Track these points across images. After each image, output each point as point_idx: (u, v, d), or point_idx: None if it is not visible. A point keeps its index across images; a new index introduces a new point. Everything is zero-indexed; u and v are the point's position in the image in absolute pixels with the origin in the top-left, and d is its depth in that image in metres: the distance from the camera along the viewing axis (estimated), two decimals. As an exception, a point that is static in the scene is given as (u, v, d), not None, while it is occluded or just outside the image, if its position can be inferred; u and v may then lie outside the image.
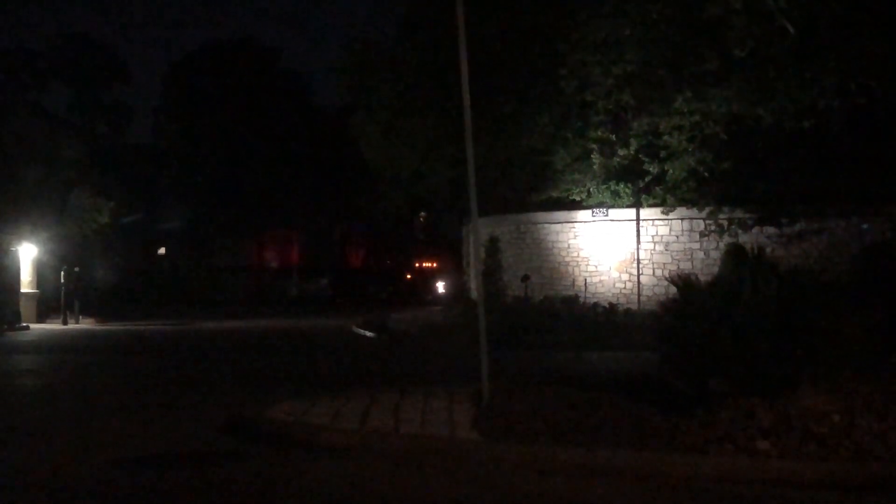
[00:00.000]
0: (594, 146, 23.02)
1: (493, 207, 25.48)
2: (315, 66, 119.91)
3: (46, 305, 30.50)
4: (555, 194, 24.79)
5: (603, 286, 23.75)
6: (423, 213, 49.76)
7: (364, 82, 28.28)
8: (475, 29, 15.60)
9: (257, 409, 9.47)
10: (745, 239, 21.40)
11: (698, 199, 22.31)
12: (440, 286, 44.17)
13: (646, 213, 23.01)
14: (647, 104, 20.96)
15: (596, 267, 24.03)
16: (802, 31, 16.20)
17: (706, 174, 21.55)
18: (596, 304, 22.32)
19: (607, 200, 24.04)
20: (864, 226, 21.43)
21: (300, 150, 52.35)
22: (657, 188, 22.80)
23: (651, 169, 22.34)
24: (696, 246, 22.90)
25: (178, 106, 53.62)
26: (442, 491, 6.74)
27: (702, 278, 9.54)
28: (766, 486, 6.73)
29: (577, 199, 24.52)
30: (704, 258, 22.55)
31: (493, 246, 25.17)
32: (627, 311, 21.51)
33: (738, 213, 22.31)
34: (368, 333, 23.56)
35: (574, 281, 24.14)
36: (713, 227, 22.55)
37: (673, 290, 9.33)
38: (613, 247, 23.74)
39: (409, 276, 56.10)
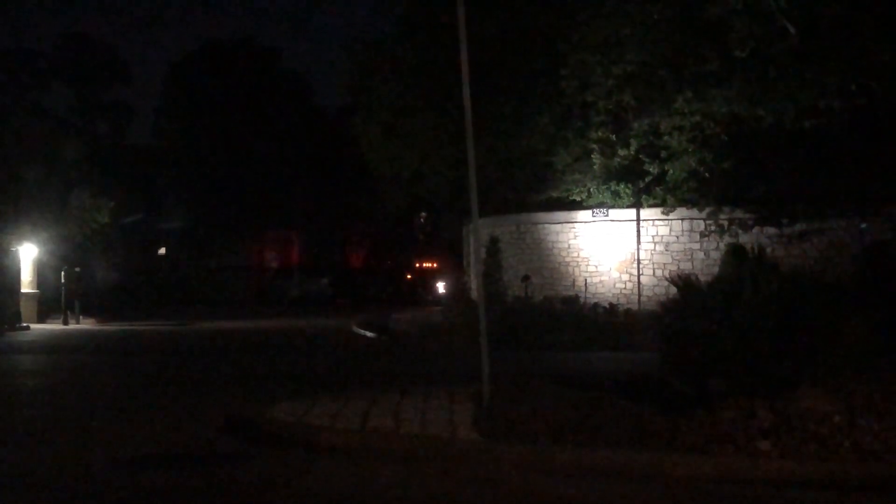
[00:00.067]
0: (595, 146, 23.01)
1: (494, 208, 25.47)
2: (315, 66, 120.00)
3: (47, 305, 30.47)
4: (555, 194, 24.78)
5: (603, 286, 23.74)
6: (423, 214, 49.69)
7: (364, 82, 28.28)
8: (476, 29, 15.60)
9: (257, 410, 9.47)
10: (745, 239, 21.38)
11: (699, 199, 22.29)
12: (440, 286, 44.07)
13: (646, 213, 23.00)
14: (647, 104, 20.97)
15: (596, 267, 24.02)
16: (803, 31, 16.23)
17: (706, 174, 21.55)
18: (596, 305, 22.31)
19: (608, 201, 24.03)
20: (863, 225, 21.42)
21: (300, 150, 52.32)
22: (657, 188, 22.79)
23: (651, 169, 22.33)
24: (697, 246, 22.88)
25: (179, 106, 53.58)
26: (442, 491, 6.74)
27: (702, 278, 9.54)
28: (767, 486, 6.73)
29: (578, 199, 24.51)
30: (705, 258, 22.54)
31: (493, 246, 25.14)
32: (628, 312, 21.49)
33: (739, 214, 22.29)
34: (369, 333, 23.55)
35: (574, 281, 24.13)
36: (713, 228, 22.54)
37: (673, 290, 9.34)
38: (614, 247, 23.73)
39: (409, 277, 56.00)
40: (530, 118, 24.47)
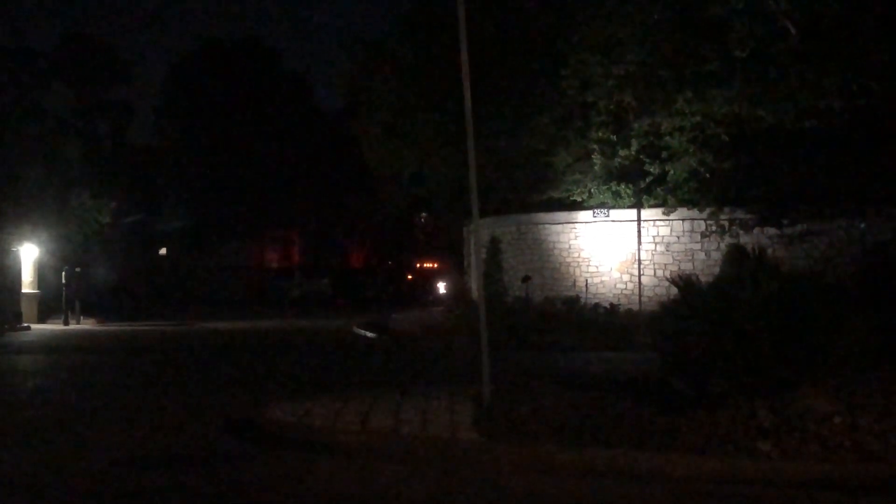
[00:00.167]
0: (595, 147, 23.00)
1: (494, 208, 25.47)
2: (316, 66, 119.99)
3: (47, 306, 30.49)
4: (556, 195, 24.77)
5: (604, 287, 23.73)
6: (423, 214, 49.69)
7: (364, 83, 28.29)
8: (476, 29, 15.62)
9: (258, 410, 9.48)
10: (746, 239, 21.37)
11: (699, 199, 22.28)
12: (441, 287, 44.11)
13: (647, 213, 22.98)
14: (648, 105, 20.96)
15: (597, 267, 24.01)
16: (804, 32, 16.23)
17: (707, 175, 21.54)
18: (597, 305, 22.31)
19: (608, 201, 24.02)
20: (861, 225, 21.40)
21: (301, 151, 52.33)
22: (658, 189, 22.77)
23: (652, 169, 22.32)
24: (698, 246, 22.87)
25: (179, 106, 53.59)
26: (443, 491, 6.74)
27: (703, 279, 9.54)
28: (767, 486, 6.73)
29: (578, 199, 24.50)
30: (705, 259, 22.52)
31: (493, 246, 25.15)
32: (628, 312, 21.49)
33: (740, 214, 22.27)
34: (369, 334, 23.55)
35: (575, 281, 24.12)
36: (714, 228, 22.52)
37: (674, 290, 9.33)
38: (614, 247, 23.71)
39: (410, 277, 56.05)
40: (531, 118, 24.47)
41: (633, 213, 22.89)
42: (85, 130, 45.31)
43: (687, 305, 8.77)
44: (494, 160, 24.79)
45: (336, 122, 45.62)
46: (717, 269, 18.10)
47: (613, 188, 23.79)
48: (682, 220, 22.96)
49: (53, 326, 28.27)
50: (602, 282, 23.83)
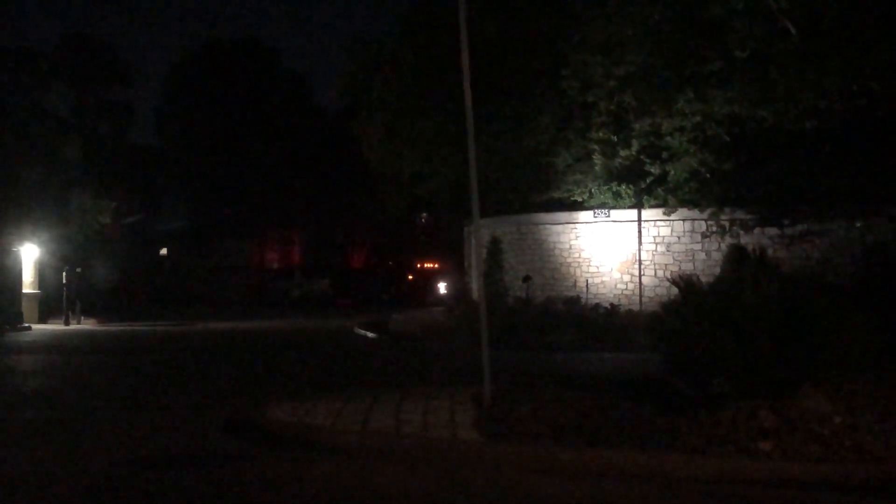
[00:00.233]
0: (596, 147, 23.00)
1: (495, 208, 25.47)
2: (316, 66, 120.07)
3: (48, 306, 30.53)
4: (556, 195, 24.78)
5: (604, 287, 23.74)
6: (424, 214, 49.70)
7: (365, 83, 28.29)
8: (477, 30, 15.62)
9: (258, 410, 9.47)
10: (746, 240, 21.37)
11: (700, 199, 22.28)
12: (442, 287, 44.16)
13: (647, 213, 22.99)
14: (648, 105, 20.95)
15: (597, 268, 24.03)
16: (804, 32, 16.22)
17: (708, 175, 21.54)
18: (597, 305, 22.30)
19: (609, 201, 24.03)
20: (858, 224, 21.39)
21: (302, 151, 52.36)
22: (659, 189, 22.78)
23: (653, 170, 22.32)
24: (698, 247, 22.87)
25: (180, 106, 53.64)
26: (443, 491, 6.74)
27: (703, 279, 9.54)
28: (768, 486, 6.73)
29: (579, 199, 24.51)
30: (706, 259, 22.53)
31: (494, 247, 25.15)
32: (629, 312, 21.49)
33: (740, 214, 22.28)
34: (370, 334, 23.56)
35: (576, 282, 24.13)
36: (715, 228, 22.53)
37: (675, 291, 9.33)
38: (615, 248, 23.73)
39: (410, 277, 56.05)
40: (531, 119, 24.47)
41: (633, 213, 22.90)
42: (85, 131, 45.30)
43: (688, 306, 8.78)
44: (495, 160, 24.79)
45: (336, 122, 45.62)
46: (717, 270, 18.08)
47: (614, 188, 23.80)
48: (683, 220, 22.97)
49: (54, 326, 28.29)
50: (603, 282, 23.84)
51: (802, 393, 8.09)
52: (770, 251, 18.03)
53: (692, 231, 22.94)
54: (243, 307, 42.17)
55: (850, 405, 8.05)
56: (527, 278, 23.64)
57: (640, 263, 22.93)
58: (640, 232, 22.55)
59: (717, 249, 22.24)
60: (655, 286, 22.54)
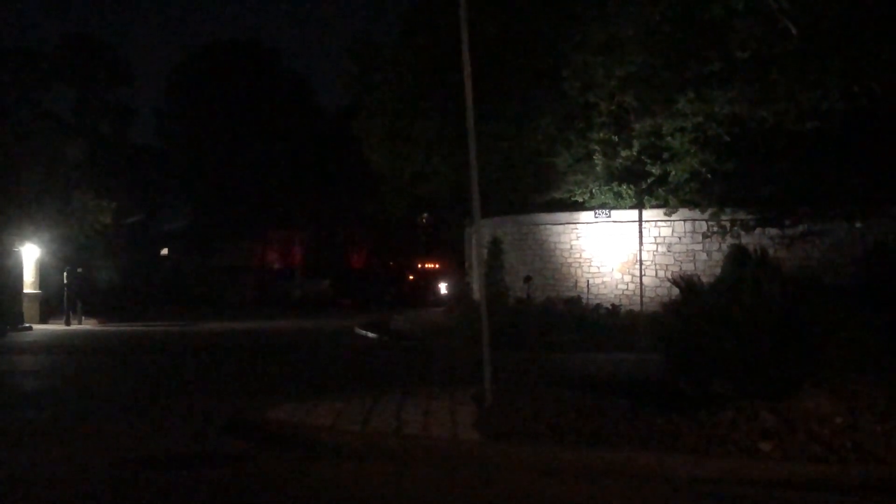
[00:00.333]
0: (597, 147, 23.00)
1: (496, 209, 25.47)
2: (317, 67, 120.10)
3: (49, 306, 30.53)
4: (557, 195, 24.78)
5: (605, 287, 23.75)
6: (425, 215, 49.72)
7: (366, 83, 28.30)
8: (477, 30, 15.60)
9: (259, 410, 9.47)
10: (747, 240, 21.35)
11: (701, 200, 22.29)
12: (442, 287, 44.17)
13: (648, 214, 22.99)
14: (649, 105, 20.94)
15: (598, 268, 24.03)
16: (805, 32, 16.19)
17: (709, 175, 21.54)
18: (598, 306, 22.31)
19: (610, 202, 24.04)
20: (858, 224, 21.39)
21: (302, 151, 52.39)
22: (660, 189, 22.78)
23: (654, 170, 22.32)
24: (699, 247, 22.88)
25: (181, 107, 53.67)
26: (444, 492, 6.74)
27: (704, 279, 9.54)
28: (769, 487, 6.73)
29: (580, 200, 24.52)
30: (707, 259, 22.54)
31: (495, 247, 25.16)
32: (630, 313, 21.50)
33: (741, 215, 22.28)
34: (371, 334, 23.57)
35: (576, 282, 24.14)
36: (716, 229, 22.53)
37: (675, 291, 9.33)
38: (616, 248, 23.74)
39: (411, 278, 56.07)
40: (532, 119, 24.47)
41: (634, 213, 22.90)
42: (86, 131, 45.32)
43: (688, 306, 8.78)
44: (496, 160, 24.80)
45: (337, 122, 45.65)
46: (718, 270, 18.04)
47: (615, 189, 23.81)
48: (684, 220, 22.98)
49: (55, 327, 28.30)
50: (603, 282, 23.84)
51: (803, 393, 8.09)
52: (771, 251, 17.97)
53: (693, 231, 22.95)
54: (244, 307, 42.17)
55: (850, 406, 8.04)
56: (528, 278, 23.65)
57: (640, 264, 22.93)
58: (640, 232, 22.55)
59: (718, 250, 22.24)
60: (656, 286, 22.55)
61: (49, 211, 32.12)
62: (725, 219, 22.36)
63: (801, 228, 21.90)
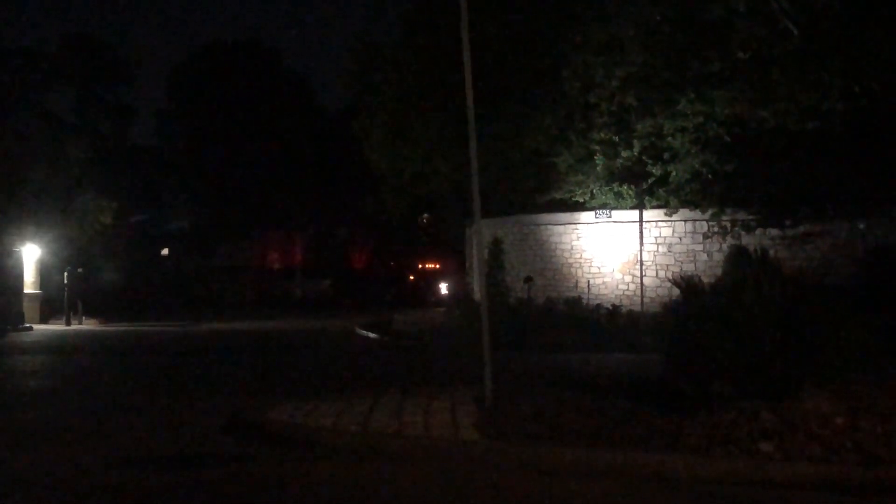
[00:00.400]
0: (597, 148, 22.99)
1: (497, 209, 25.47)
2: (318, 67, 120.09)
3: (50, 306, 30.54)
4: (558, 196, 24.77)
5: (606, 288, 23.74)
6: (425, 215, 49.72)
7: (367, 83, 28.29)
8: (478, 30, 15.62)
9: (260, 410, 9.47)
10: (748, 241, 21.38)
11: (701, 200, 22.28)
12: (443, 287, 44.17)
13: (649, 214, 22.98)
14: (650, 106, 20.94)
15: (599, 268, 24.03)
16: (806, 32, 16.19)
17: (709, 176, 21.53)
18: (599, 306, 22.30)
19: (610, 202, 24.03)
20: (859, 225, 21.38)
21: (303, 152, 52.39)
22: (660, 190, 22.77)
23: (654, 171, 22.32)
24: (700, 248, 22.87)
25: (182, 107, 53.68)
26: (444, 492, 6.74)
27: (705, 280, 9.53)
28: (769, 487, 6.73)
29: (581, 200, 24.51)
30: (707, 260, 22.54)
31: (496, 247, 25.15)
32: (630, 313, 21.49)
33: (742, 215, 22.28)
34: (371, 334, 23.57)
35: (577, 282, 24.14)
36: (716, 229, 22.52)
37: (676, 291, 9.33)
38: (616, 248, 23.73)
39: (412, 278, 56.10)
40: (533, 119, 24.45)
41: (635, 213, 22.90)
42: (88, 131, 45.33)
43: (689, 307, 8.78)
44: (497, 161, 24.79)
45: (338, 122, 45.65)
46: (719, 271, 18.12)
47: (616, 189, 23.81)
48: (684, 221, 22.97)
49: (55, 327, 28.31)
50: (604, 283, 23.84)
51: (804, 394, 8.08)
52: (771, 252, 17.92)
53: (694, 232, 22.94)
54: (244, 307, 42.17)
55: (851, 406, 8.04)
56: (528, 279, 23.64)
57: (641, 264, 22.92)
58: (641, 233, 22.54)
59: (719, 250, 22.24)
60: (657, 287, 22.54)
61: (50, 211, 32.13)
62: (726, 219, 22.35)
63: (801, 229, 21.90)
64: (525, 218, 25.62)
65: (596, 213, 24.02)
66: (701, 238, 22.82)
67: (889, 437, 7.30)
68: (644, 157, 22.28)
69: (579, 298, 22.94)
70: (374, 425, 8.47)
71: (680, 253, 22.98)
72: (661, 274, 22.63)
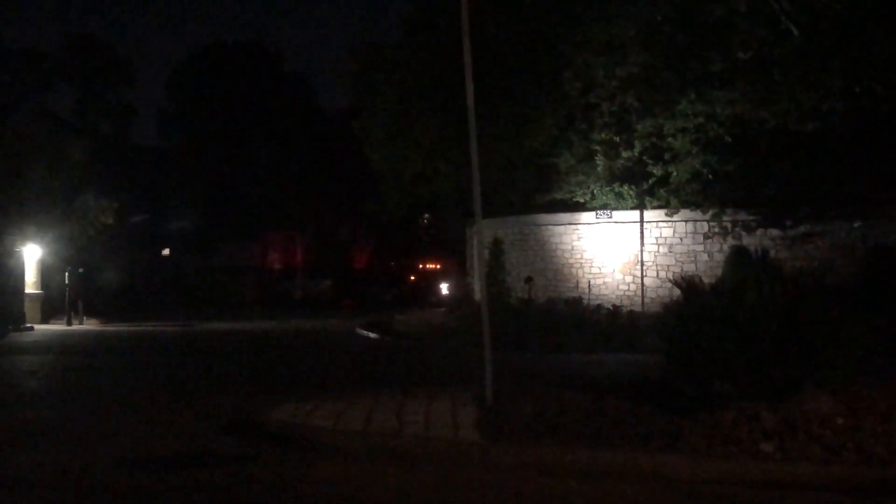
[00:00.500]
0: (598, 148, 23.01)
1: (497, 209, 25.47)
2: (319, 67, 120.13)
3: (51, 306, 30.53)
4: (559, 196, 24.79)
5: (607, 288, 23.75)
6: (426, 215, 49.74)
7: (368, 84, 28.30)
8: (479, 30, 15.60)
9: (261, 410, 9.48)
10: (748, 241, 21.38)
11: (702, 201, 22.29)
12: (444, 288, 44.15)
13: (649, 214, 22.99)
14: (651, 106, 20.95)
15: (600, 269, 24.03)
16: (807, 33, 16.18)
17: (710, 176, 21.54)
18: (599, 306, 22.30)
19: (611, 202, 24.03)
20: (859, 225, 21.37)
21: (304, 152, 52.40)
22: (661, 190, 22.79)
23: (655, 171, 22.33)
24: (700, 248, 22.88)
25: (183, 107, 53.71)
26: (445, 492, 6.74)
27: (705, 280, 9.54)
28: (770, 488, 6.73)
29: (581, 200, 24.52)
30: (708, 260, 22.53)
31: (496, 248, 25.17)
32: (631, 313, 21.49)
33: (742, 216, 22.28)
34: (372, 335, 23.56)
35: (578, 283, 24.14)
36: (717, 230, 22.52)
37: (676, 292, 9.33)
38: (617, 249, 23.74)
39: (412, 278, 56.10)
40: (534, 120, 24.47)
41: (635, 214, 22.91)
42: (89, 131, 45.36)
43: (690, 307, 8.78)
44: (497, 161, 24.80)
45: (339, 122, 45.67)
46: (719, 271, 18.09)
47: (616, 189, 23.81)
48: (685, 221, 22.97)
49: (56, 327, 28.30)
50: (605, 283, 23.84)
51: (804, 394, 8.08)
52: (772, 252, 18.02)
53: (694, 232, 22.94)
54: (245, 308, 42.16)
55: (852, 407, 8.04)
56: (529, 279, 23.65)
57: (642, 264, 22.93)
58: (642, 233, 22.55)
59: (720, 250, 22.24)
60: (657, 287, 22.55)
61: (50, 211, 32.09)
62: (727, 219, 22.35)
63: (802, 229, 21.90)
64: (525, 218, 25.63)
65: (597, 214, 24.03)
66: (701, 238, 22.82)
67: (889, 437, 7.30)
68: (645, 158, 22.29)
69: (580, 299, 22.94)
70: (374, 425, 8.47)
71: (680, 253, 22.98)
72: (662, 274, 22.64)
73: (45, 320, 29.61)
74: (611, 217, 23.82)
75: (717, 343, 8.17)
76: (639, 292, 22.78)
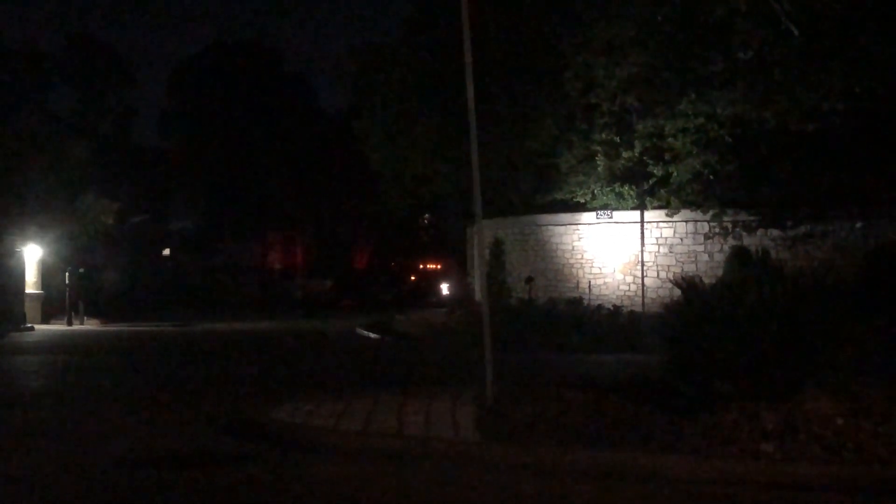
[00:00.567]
0: (599, 148, 23.01)
1: (498, 209, 25.47)
2: (319, 67, 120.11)
3: (51, 306, 30.51)
4: (559, 196, 24.78)
5: (607, 288, 23.74)
6: (427, 215, 49.75)
7: (368, 84, 28.30)
8: (479, 31, 15.61)
9: (261, 410, 9.48)
10: (749, 241, 21.37)
11: (703, 201, 22.28)
12: (444, 288, 44.13)
13: (650, 215, 22.98)
14: (651, 106, 20.96)
15: (600, 269, 24.02)
16: (807, 34, 16.20)
17: (711, 176, 21.53)
18: (600, 307, 22.28)
19: (612, 202, 24.03)
20: (859, 225, 21.36)
21: (304, 152, 52.40)
22: (662, 190, 22.78)
23: (656, 171, 22.32)
24: (701, 248, 22.87)
25: (183, 108, 53.70)
26: (444, 492, 6.74)
27: (706, 281, 9.53)
28: (770, 488, 6.72)
29: (582, 201, 24.51)
30: (709, 260, 22.53)
31: (497, 248, 25.16)
32: (631, 314, 21.47)
33: (743, 216, 22.27)
34: (373, 335, 23.54)
35: (578, 283, 24.13)
36: (717, 230, 22.52)
37: (677, 292, 9.32)
38: (618, 249, 23.73)
39: (413, 278, 56.09)
40: (534, 120, 24.47)
41: (636, 214, 22.89)
42: (89, 131, 45.34)
43: (690, 308, 8.77)
44: (498, 161, 24.79)
45: (339, 123, 45.68)
46: (720, 271, 18.09)
47: (617, 190, 23.81)
48: (686, 221, 22.97)
49: (57, 327, 28.29)
50: (605, 283, 23.83)
51: (804, 394, 8.08)
52: (772, 252, 17.95)
53: (695, 232, 22.94)
54: (246, 308, 42.13)
55: (852, 407, 8.03)
56: (529, 279, 23.64)
57: (642, 265, 22.92)
58: (642, 233, 22.54)
59: (720, 251, 22.23)
60: (658, 287, 22.54)
61: (51, 211, 32.08)
62: (727, 220, 22.34)
63: (802, 229, 21.89)
64: (526, 218, 25.62)
65: (597, 214, 24.02)
66: (702, 238, 22.82)
67: (889, 437, 7.29)
68: (645, 158, 22.29)
69: (580, 299, 22.93)
70: (374, 426, 8.47)
71: (681, 253, 22.98)
72: (662, 274, 22.62)
73: (45, 320, 29.60)
74: (611, 217, 23.81)
75: (718, 343, 8.16)
76: (639, 292, 22.76)
